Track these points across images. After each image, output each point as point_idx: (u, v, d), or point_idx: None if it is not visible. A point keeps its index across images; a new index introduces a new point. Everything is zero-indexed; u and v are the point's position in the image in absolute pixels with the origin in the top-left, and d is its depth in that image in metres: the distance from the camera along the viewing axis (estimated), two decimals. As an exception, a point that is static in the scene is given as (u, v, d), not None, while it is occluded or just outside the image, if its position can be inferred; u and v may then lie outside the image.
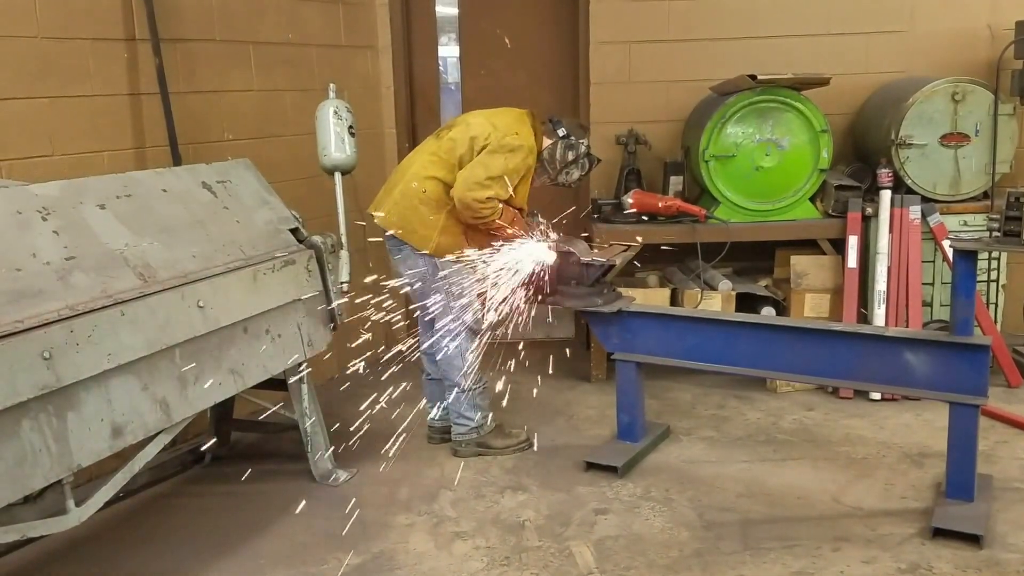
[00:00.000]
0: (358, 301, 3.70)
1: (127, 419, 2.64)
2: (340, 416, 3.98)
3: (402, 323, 5.09)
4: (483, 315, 3.71)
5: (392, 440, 4.02)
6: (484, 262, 3.66)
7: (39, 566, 3.04)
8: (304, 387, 3.52)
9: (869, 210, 4.36)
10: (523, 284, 3.56)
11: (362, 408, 3.72)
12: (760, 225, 4.55)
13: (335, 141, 3.73)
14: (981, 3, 4.84)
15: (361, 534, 3.19)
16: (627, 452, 3.70)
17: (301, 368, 3.47)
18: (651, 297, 4.52)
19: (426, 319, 3.88)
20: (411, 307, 3.81)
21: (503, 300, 3.52)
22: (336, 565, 3.00)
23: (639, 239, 4.18)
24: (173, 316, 2.78)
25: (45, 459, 2.39)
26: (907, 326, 4.29)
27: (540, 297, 3.64)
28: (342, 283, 3.63)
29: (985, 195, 4.51)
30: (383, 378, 3.90)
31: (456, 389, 3.77)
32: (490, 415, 3.88)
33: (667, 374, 4.50)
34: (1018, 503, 3.26)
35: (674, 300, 4.60)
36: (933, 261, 4.43)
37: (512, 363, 3.96)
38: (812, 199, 4.56)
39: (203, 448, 3.68)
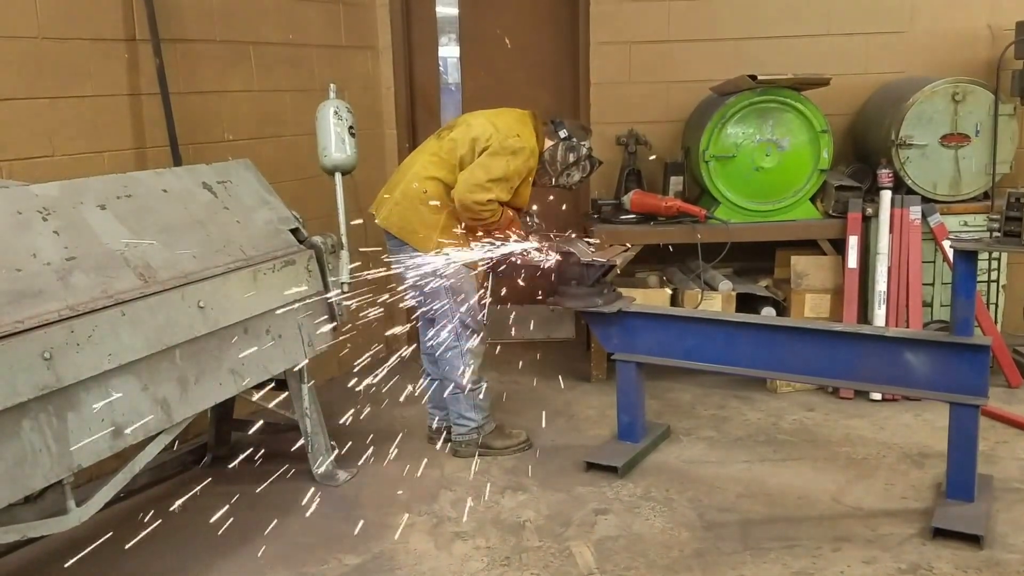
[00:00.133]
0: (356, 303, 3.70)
1: (127, 419, 2.64)
2: (340, 416, 3.98)
3: (402, 323, 5.09)
4: (483, 315, 3.71)
5: (392, 440, 4.03)
6: (485, 263, 3.67)
7: (39, 566, 3.04)
8: (304, 387, 3.52)
9: (869, 210, 4.36)
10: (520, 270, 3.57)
11: (363, 409, 3.73)
12: (760, 225, 4.55)
13: (335, 141, 3.73)
14: (981, 3, 4.84)
15: (361, 534, 3.19)
16: (627, 452, 3.70)
17: (301, 368, 3.47)
18: (651, 297, 4.52)
19: (426, 319, 3.89)
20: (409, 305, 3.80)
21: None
22: (336, 565, 3.00)
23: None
24: (173, 316, 2.78)
25: (45, 459, 2.40)
26: (907, 326, 4.29)
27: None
28: (342, 283, 3.62)
29: (985, 195, 4.51)
30: (383, 378, 3.90)
31: (457, 389, 3.77)
32: (490, 415, 3.88)
33: (667, 374, 4.50)
34: (1018, 503, 3.26)
35: (674, 300, 4.60)
36: (933, 261, 4.43)
37: (512, 363, 3.97)
38: (812, 199, 4.56)
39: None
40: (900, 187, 4.45)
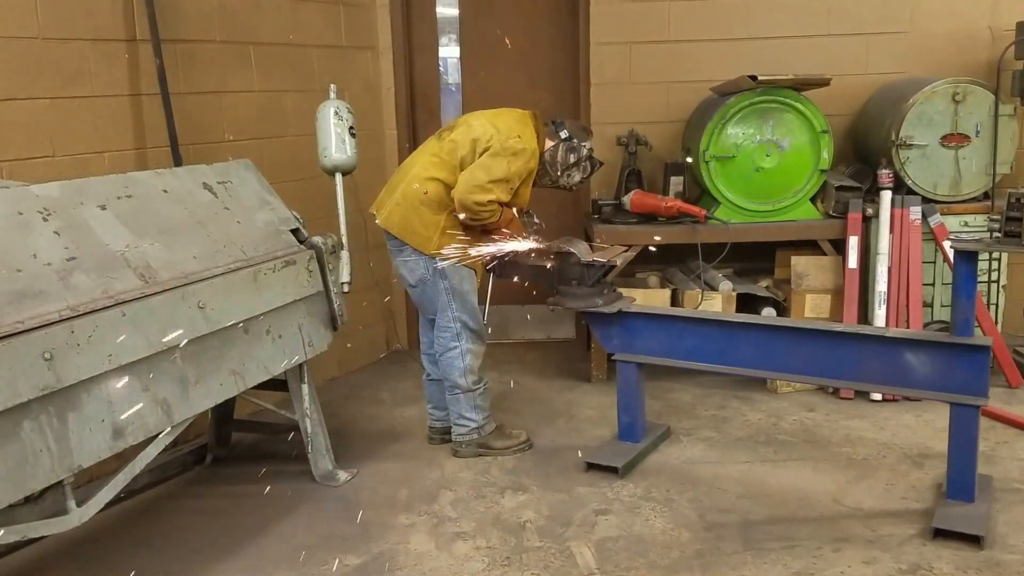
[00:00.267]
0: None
1: (128, 420, 2.64)
2: (340, 416, 3.98)
3: (403, 323, 5.09)
4: (484, 314, 3.71)
5: (392, 441, 4.03)
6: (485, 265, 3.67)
7: (40, 567, 3.04)
8: (305, 387, 3.52)
9: (870, 211, 4.36)
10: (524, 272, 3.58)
11: (363, 409, 3.73)
12: (760, 226, 4.55)
13: (336, 142, 3.73)
14: (982, 4, 4.84)
15: (362, 535, 3.19)
16: (627, 453, 3.70)
17: (302, 369, 3.47)
18: (652, 298, 4.52)
19: (426, 319, 3.89)
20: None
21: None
22: (337, 565, 3.00)
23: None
24: (174, 317, 2.78)
25: (46, 459, 2.40)
26: (908, 327, 4.29)
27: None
28: (343, 284, 3.63)
29: (986, 196, 4.51)
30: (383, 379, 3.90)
31: (457, 390, 3.77)
32: (491, 416, 3.88)
33: (667, 375, 4.50)
34: (1019, 504, 3.26)
35: (675, 301, 4.60)
36: (934, 262, 4.43)
37: (513, 363, 3.97)
38: (813, 200, 4.56)
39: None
40: (900, 187, 4.45)
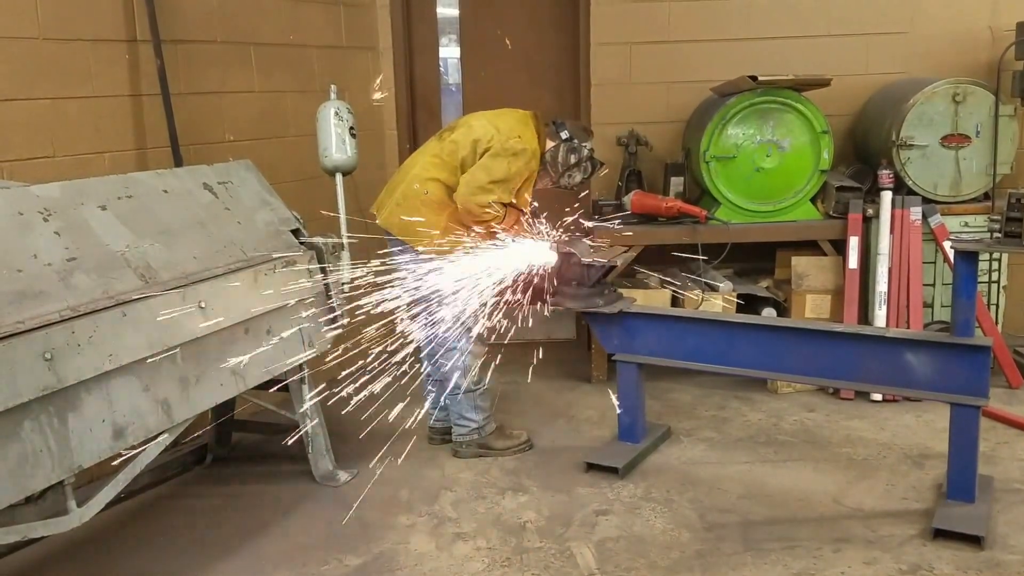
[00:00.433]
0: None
1: (128, 420, 2.64)
2: (341, 417, 3.97)
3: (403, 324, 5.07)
4: (484, 316, 3.70)
5: (393, 441, 4.03)
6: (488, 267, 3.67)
7: (40, 567, 3.04)
8: (305, 388, 3.52)
9: (870, 211, 4.36)
10: (523, 284, 3.56)
11: (363, 409, 3.72)
12: (761, 226, 4.55)
13: (336, 142, 3.74)
14: (982, 4, 4.84)
15: (362, 535, 3.19)
16: (628, 453, 3.70)
17: (302, 369, 3.47)
18: (652, 298, 4.52)
19: (427, 320, 3.89)
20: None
21: (503, 301, 3.52)
22: (337, 566, 3.00)
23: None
24: (174, 317, 2.78)
25: (46, 460, 2.40)
26: (908, 327, 4.29)
27: (540, 296, 3.63)
28: (343, 284, 3.63)
29: (986, 196, 4.51)
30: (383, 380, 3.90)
31: (457, 390, 3.77)
32: (491, 416, 3.88)
33: (668, 375, 4.50)
34: (1019, 504, 3.25)
35: (675, 301, 4.60)
36: (934, 262, 4.43)
37: (513, 364, 3.97)
38: (813, 200, 4.56)
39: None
40: (901, 188, 4.45)
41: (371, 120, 5.06)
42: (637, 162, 4.87)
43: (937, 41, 4.90)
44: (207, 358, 2.94)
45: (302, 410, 3.52)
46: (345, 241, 3.70)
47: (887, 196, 4.33)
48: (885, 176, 4.36)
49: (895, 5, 4.91)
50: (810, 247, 4.61)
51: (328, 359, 3.30)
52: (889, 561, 2.90)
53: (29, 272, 2.46)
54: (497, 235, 3.63)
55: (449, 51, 5.44)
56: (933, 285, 4.46)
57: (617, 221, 4.37)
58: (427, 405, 4.01)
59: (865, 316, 4.39)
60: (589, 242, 3.73)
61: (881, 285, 4.30)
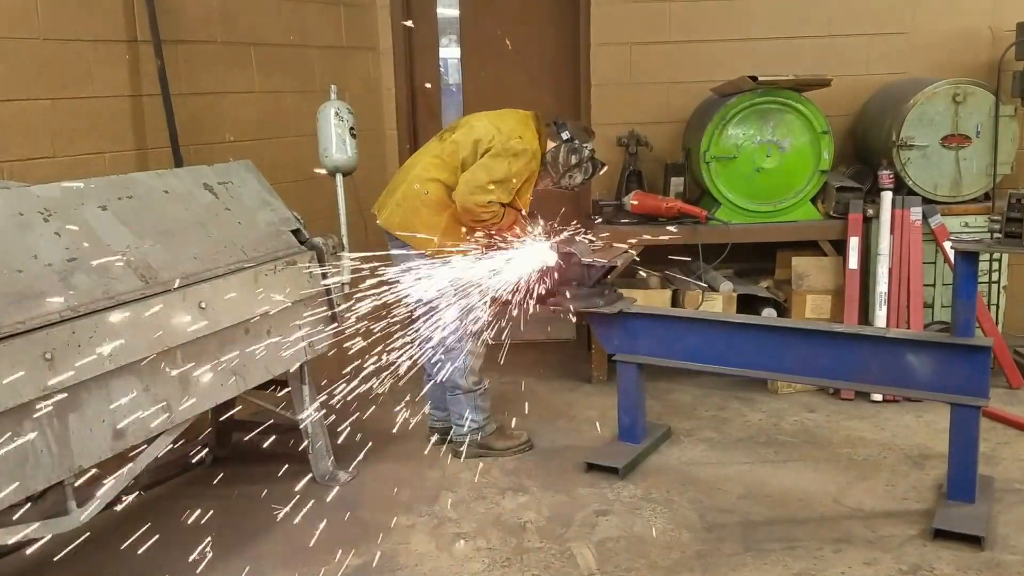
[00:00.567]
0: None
1: (128, 420, 2.64)
2: (341, 417, 3.97)
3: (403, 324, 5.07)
4: (484, 316, 3.70)
5: (393, 441, 4.03)
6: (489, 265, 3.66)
7: (41, 567, 3.04)
8: (305, 388, 3.52)
9: (870, 211, 4.36)
10: (524, 286, 3.56)
11: (364, 410, 3.72)
12: (761, 226, 4.55)
13: (336, 142, 3.74)
14: (982, 5, 4.84)
15: (362, 535, 3.19)
16: (628, 453, 3.70)
17: (302, 369, 3.47)
18: (652, 298, 4.52)
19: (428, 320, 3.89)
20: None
21: (505, 302, 3.52)
22: (337, 566, 3.00)
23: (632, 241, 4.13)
24: (174, 317, 2.78)
25: (47, 460, 2.40)
26: (908, 327, 4.29)
27: (541, 296, 3.63)
28: (343, 284, 3.63)
29: (986, 196, 4.51)
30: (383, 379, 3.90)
31: (458, 390, 3.77)
32: (491, 416, 3.88)
33: (668, 375, 4.50)
34: (1019, 504, 3.26)
35: (675, 301, 4.60)
36: (934, 262, 4.43)
37: (513, 364, 3.97)
38: (813, 200, 4.56)
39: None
40: (901, 188, 4.45)
41: (371, 120, 5.06)
42: (637, 162, 4.87)
43: (937, 41, 4.90)
44: (207, 358, 2.94)
45: (302, 410, 3.51)
46: (346, 241, 3.69)
47: (887, 196, 4.33)
48: (885, 176, 4.36)
49: (895, 5, 4.91)
50: (810, 247, 4.61)
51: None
52: (889, 561, 2.90)
53: (29, 272, 2.46)
54: (496, 235, 3.63)
55: (449, 51, 5.44)
56: (933, 285, 4.46)
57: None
58: (427, 405, 4.02)
59: (865, 316, 4.39)
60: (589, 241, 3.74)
61: (881, 285, 4.30)
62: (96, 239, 2.72)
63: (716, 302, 4.49)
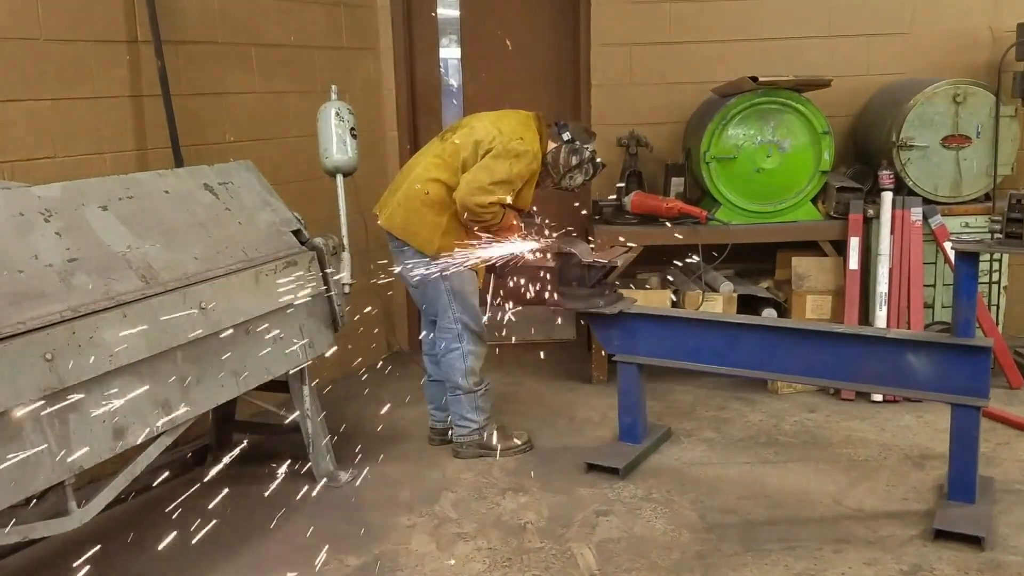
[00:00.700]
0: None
1: (129, 420, 2.64)
2: (341, 418, 3.98)
3: (403, 324, 5.08)
4: (485, 316, 3.71)
5: (393, 442, 4.03)
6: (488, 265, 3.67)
7: (41, 568, 3.04)
8: (306, 388, 3.52)
9: (870, 212, 4.36)
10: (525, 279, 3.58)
11: (364, 410, 3.73)
12: (761, 227, 4.56)
13: (337, 143, 3.74)
14: (982, 5, 4.84)
15: (362, 535, 3.19)
16: (628, 454, 3.70)
17: (303, 370, 3.47)
18: (652, 299, 4.52)
19: (428, 320, 3.89)
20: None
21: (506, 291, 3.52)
22: (338, 566, 3.00)
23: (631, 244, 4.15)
24: (175, 317, 2.78)
25: (47, 460, 2.40)
26: (908, 328, 4.29)
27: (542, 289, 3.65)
28: (344, 285, 3.63)
29: (987, 197, 4.51)
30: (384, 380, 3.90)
31: (458, 391, 3.77)
32: (492, 417, 3.88)
33: (668, 376, 4.50)
34: (1020, 505, 3.26)
35: (675, 302, 4.60)
36: (935, 263, 4.43)
37: (514, 365, 3.97)
38: (813, 201, 4.56)
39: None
40: (901, 188, 4.45)
41: (372, 121, 5.06)
42: (637, 163, 4.86)
43: (937, 42, 4.89)
44: (208, 359, 2.94)
45: (302, 411, 3.52)
46: (346, 242, 3.70)
47: (888, 197, 4.33)
48: (885, 177, 4.36)
49: (895, 5, 4.91)
50: (811, 248, 4.61)
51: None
52: (890, 562, 2.90)
53: (30, 273, 2.46)
54: (497, 236, 3.63)
55: (450, 51, 5.44)
56: (934, 286, 4.46)
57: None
58: (428, 406, 4.02)
59: (866, 317, 4.39)
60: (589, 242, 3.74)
61: (882, 286, 4.30)
62: (97, 239, 2.72)
63: (716, 302, 4.49)
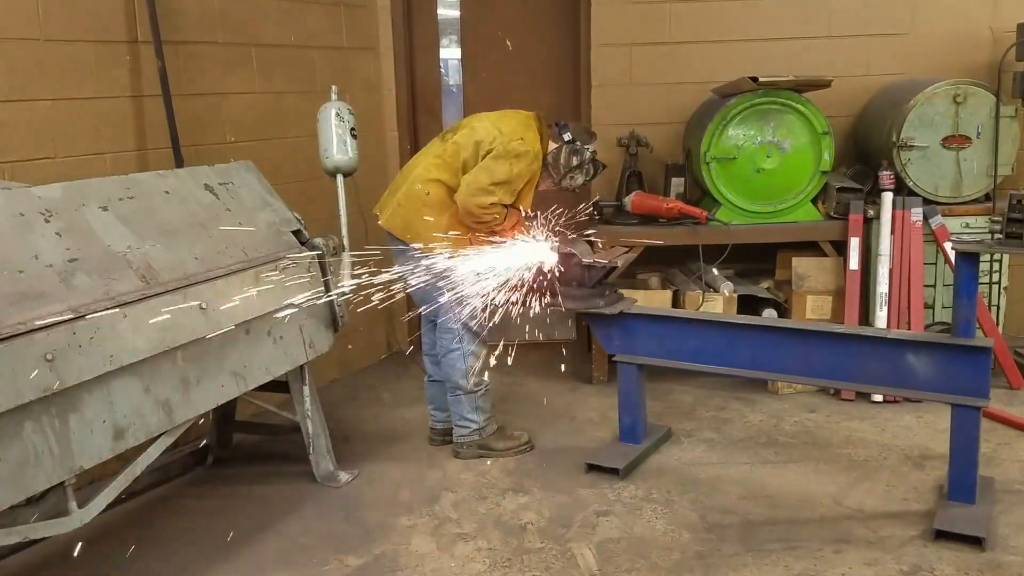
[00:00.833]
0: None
1: (129, 421, 2.64)
2: (342, 418, 3.98)
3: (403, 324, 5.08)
4: (485, 316, 3.70)
5: (394, 442, 4.03)
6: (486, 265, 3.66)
7: (41, 568, 3.04)
8: (306, 389, 3.52)
9: (871, 212, 4.36)
10: (526, 284, 3.56)
11: (365, 410, 3.73)
12: (761, 227, 4.55)
13: (337, 143, 3.74)
14: (982, 5, 4.84)
15: (363, 536, 3.20)
16: (629, 454, 3.70)
17: (303, 370, 3.47)
18: (652, 299, 4.52)
19: (428, 321, 3.89)
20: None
21: (505, 300, 3.52)
22: (338, 567, 3.00)
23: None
24: (175, 318, 2.78)
25: (47, 461, 2.40)
26: (909, 328, 4.29)
27: (542, 293, 3.63)
28: (344, 285, 3.63)
29: (987, 197, 4.51)
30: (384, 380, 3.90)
31: (459, 391, 3.77)
32: (492, 417, 3.88)
33: (668, 376, 4.50)
34: (1020, 505, 3.26)
35: (676, 302, 4.60)
36: (935, 263, 4.43)
37: (514, 365, 3.96)
38: (814, 201, 4.56)
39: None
40: (901, 189, 4.45)
41: (372, 121, 5.06)
42: (638, 163, 4.87)
43: (937, 42, 4.89)
44: (208, 359, 2.94)
45: (303, 411, 3.52)
46: (346, 242, 3.70)
47: (888, 197, 4.33)
48: (886, 177, 4.36)
49: (895, 6, 4.91)
50: (811, 248, 4.61)
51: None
52: (890, 562, 2.90)
53: (30, 273, 2.46)
54: (497, 236, 3.63)
55: (450, 52, 5.44)
56: (934, 286, 4.46)
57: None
58: (428, 406, 4.02)
59: (866, 317, 4.39)
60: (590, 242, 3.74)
61: (882, 286, 4.30)
62: (97, 240, 2.72)
63: (716, 303, 4.49)
